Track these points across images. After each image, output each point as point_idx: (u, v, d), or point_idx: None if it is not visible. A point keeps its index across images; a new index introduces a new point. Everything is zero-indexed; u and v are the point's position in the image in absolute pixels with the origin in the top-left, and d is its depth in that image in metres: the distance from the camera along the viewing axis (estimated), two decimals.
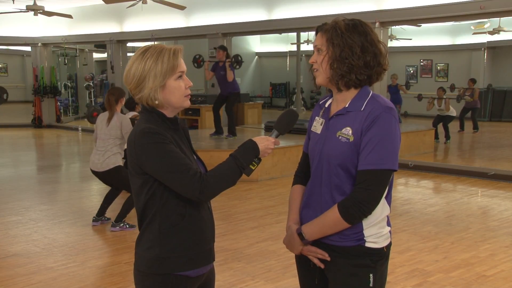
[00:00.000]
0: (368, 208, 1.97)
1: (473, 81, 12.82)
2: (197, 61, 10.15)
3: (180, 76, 2.05)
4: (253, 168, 2.06)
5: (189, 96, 2.09)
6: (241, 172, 2.01)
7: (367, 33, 2.02)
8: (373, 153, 1.95)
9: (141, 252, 2.08)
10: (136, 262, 2.10)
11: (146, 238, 2.06)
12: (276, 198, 7.07)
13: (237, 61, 9.44)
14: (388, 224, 2.12)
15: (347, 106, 2.06)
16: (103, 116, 5.84)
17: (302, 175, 2.26)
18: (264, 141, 2.06)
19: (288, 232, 2.16)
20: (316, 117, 2.18)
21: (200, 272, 2.10)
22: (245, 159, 2.01)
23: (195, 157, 2.15)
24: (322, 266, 2.10)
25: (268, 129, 11.54)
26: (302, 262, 2.20)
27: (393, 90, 13.63)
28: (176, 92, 2.04)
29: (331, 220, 2.01)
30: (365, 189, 1.95)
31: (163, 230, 2.02)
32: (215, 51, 9.96)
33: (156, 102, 2.02)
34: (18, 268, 4.61)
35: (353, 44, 1.99)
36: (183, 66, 2.06)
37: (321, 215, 2.05)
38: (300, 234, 2.09)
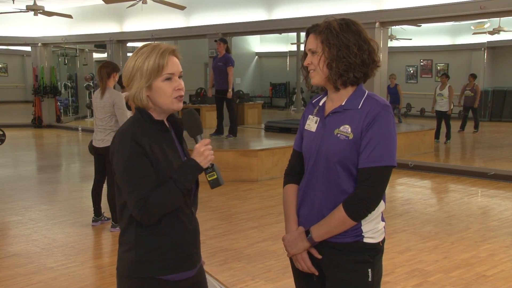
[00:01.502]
0: (373, 204, 2.02)
1: (473, 76, 12.80)
2: (200, 95, 10.18)
3: (169, 78, 1.97)
4: (214, 177, 2.01)
5: (181, 98, 2.01)
6: (183, 194, 1.96)
7: (360, 32, 2.06)
8: (376, 151, 1.99)
9: (120, 254, 2.05)
10: (117, 264, 2.08)
11: (124, 240, 2.03)
12: (276, 198, 7.07)
13: (239, 96, 9.39)
14: (382, 219, 2.16)
15: (343, 104, 2.09)
16: (97, 93, 5.70)
17: (294, 174, 2.26)
18: (196, 152, 2.00)
19: (295, 232, 2.14)
20: (310, 116, 2.20)
21: (180, 277, 2.04)
22: (186, 179, 1.95)
23: (186, 159, 2.08)
24: (316, 272, 2.14)
25: (268, 129, 11.55)
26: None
27: (392, 91, 13.65)
28: (163, 94, 1.97)
29: (337, 219, 2.03)
30: (370, 186, 2.00)
31: (139, 234, 1.98)
32: (215, 51, 9.95)
33: (143, 102, 1.98)
34: (18, 268, 4.61)
35: (349, 43, 2.02)
36: (172, 68, 1.97)
37: (327, 216, 2.06)
38: (308, 234, 2.10)
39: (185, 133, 2.15)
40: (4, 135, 8.96)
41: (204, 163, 1.98)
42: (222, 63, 9.21)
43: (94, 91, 8.35)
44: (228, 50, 9.35)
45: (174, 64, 1.99)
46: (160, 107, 2.00)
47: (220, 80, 9.33)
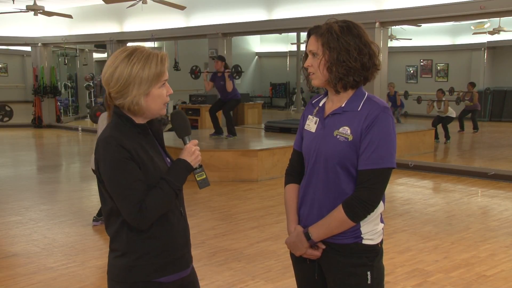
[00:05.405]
0: (372, 206, 2.03)
1: (472, 84, 12.85)
2: (194, 72, 10.17)
3: (163, 84, 1.99)
4: (203, 177, 2.04)
5: (166, 103, 2.04)
6: (176, 194, 1.98)
7: (361, 35, 2.06)
8: (375, 153, 2.00)
9: (111, 260, 2.04)
10: (108, 270, 2.07)
11: (115, 246, 2.02)
12: (276, 198, 7.07)
13: (237, 71, 9.46)
14: (381, 221, 2.17)
15: (343, 105, 2.10)
16: (104, 116, 5.80)
17: (295, 174, 2.28)
18: (187, 152, 2.02)
19: (293, 234, 2.17)
20: (310, 116, 2.21)
21: (173, 278, 2.05)
22: (178, 178, 1.97)
23: (168, 159, 2.10)
24: (318, 255, 2.13)
25: (268, 129, 11.55)
26: (299, 259, 2.22)
27: (392, 99, 13.75)
28: (158, 100, 1.97)
29: (337, 220, 2.05)
30: (369, 188, 2.01)
31: (130, 239, 1.98)
32: (213, 61, 9.99)
33: (142, 108, 1.96)
34: (18, 268, 4.62)
35: (349, 47, 2.02)
36: (167, 74, 2.00)
37: (326, 216, 2.08)
38: (306, 235, 2.11)
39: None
40: (11, 111, 8.92)
41: (194, 163, 2.02)
42: (224, 82, 9.36)
43: (94, 108, 8.39)
44: (226, 67, 9.45)
45: (167, 70, 2.02)
46: (151, 112, 2.00)
47: (225, 94, 9.51)
